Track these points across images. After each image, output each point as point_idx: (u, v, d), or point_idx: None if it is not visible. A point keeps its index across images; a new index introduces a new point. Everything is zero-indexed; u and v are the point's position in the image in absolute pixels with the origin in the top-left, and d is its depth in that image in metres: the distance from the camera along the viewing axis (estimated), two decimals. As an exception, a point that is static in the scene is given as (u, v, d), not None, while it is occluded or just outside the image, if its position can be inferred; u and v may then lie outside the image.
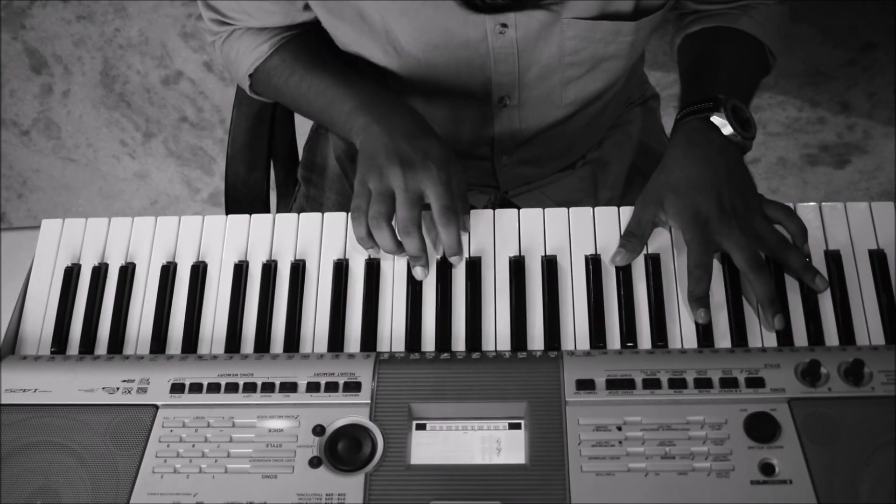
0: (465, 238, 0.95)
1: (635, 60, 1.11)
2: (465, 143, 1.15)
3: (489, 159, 1.18)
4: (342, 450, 0.81)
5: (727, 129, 0.97)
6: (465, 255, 0.94)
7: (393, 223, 0.91)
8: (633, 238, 0.93)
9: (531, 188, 1.26)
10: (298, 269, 0.94)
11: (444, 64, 1.02)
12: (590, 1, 0.96)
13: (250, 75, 1.11)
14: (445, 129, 1.11)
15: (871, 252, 0.93)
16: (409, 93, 1.08)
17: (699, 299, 0.89)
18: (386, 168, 0.92)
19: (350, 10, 0.99)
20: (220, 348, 0.92)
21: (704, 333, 0.89)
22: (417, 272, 0.92)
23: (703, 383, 0.83)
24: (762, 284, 0.89)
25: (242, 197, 1.25)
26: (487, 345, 0.90)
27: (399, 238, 0.91)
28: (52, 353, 0.93)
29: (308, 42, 1.08)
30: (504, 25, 0.98)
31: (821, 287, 0.91)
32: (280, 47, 1.08)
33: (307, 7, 1.04)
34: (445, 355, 0.88)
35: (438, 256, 0.94)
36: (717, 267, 0.92)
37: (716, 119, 0.97)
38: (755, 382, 0.83)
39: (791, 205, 0.95)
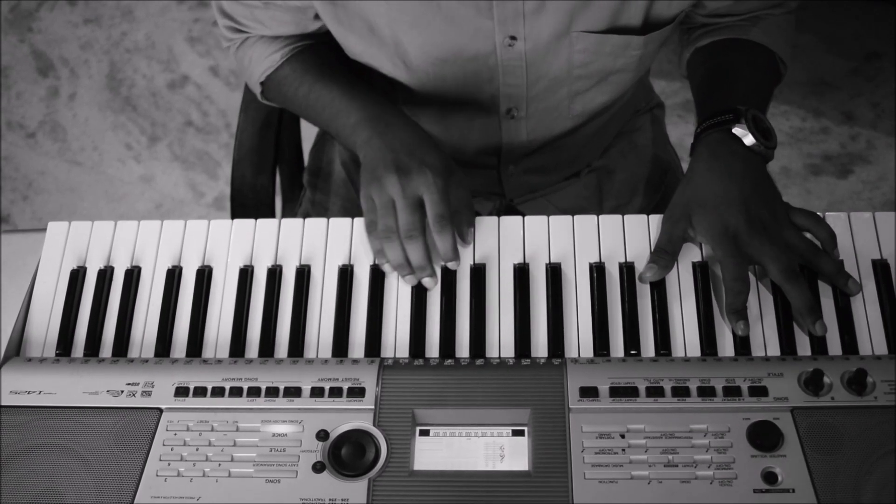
0: (468, 246, 0.95)
1: (643, 73, 1.11)
2: (472, 152, 1.15)
3: (495, 168, 1.19)
4: (346, 455, 0.81)
5: (749, 140, 0.96)
6: (470, 261, 0.94)
7: None
8: (664, 255, 0.92)
9: (536, 196, 1.26)
10: (304, 274, 0.95)
11: (452, 76, 1.03)
12: (601, 6, 0.96)
13: (262, 83, 1.12)
14: (452, 139, 1.11)
15: (874, 262, 0.93)
16: (417, 103, 1.08)
17: (738, 312, 0.89)
18: (384, 178, 0.93)
19: (360, 22, 1.00)
20: (224, 352, 0.92)
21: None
22: (427, 282, 0.92)
23: (707, 392, 0.83)
24: (799, 295, 0.89)
25: (248, 201, 1.25)
26: (491, 351, 0.90)
27: (403, 244, 0.92)
28: (56, 355, 0.93)
29: (319, 53, 1.09)
30: (513, 38, 0.98)
31: (853, 290, 0.91)
32: (291, 57, 1.09)
33: (318, 16, 1.04)
34: (449, 361, 0.88)
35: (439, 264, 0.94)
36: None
37: (737, 130, 0.96)
38: (758, 391, 0.83)
39: (821, 214, 0.95)
